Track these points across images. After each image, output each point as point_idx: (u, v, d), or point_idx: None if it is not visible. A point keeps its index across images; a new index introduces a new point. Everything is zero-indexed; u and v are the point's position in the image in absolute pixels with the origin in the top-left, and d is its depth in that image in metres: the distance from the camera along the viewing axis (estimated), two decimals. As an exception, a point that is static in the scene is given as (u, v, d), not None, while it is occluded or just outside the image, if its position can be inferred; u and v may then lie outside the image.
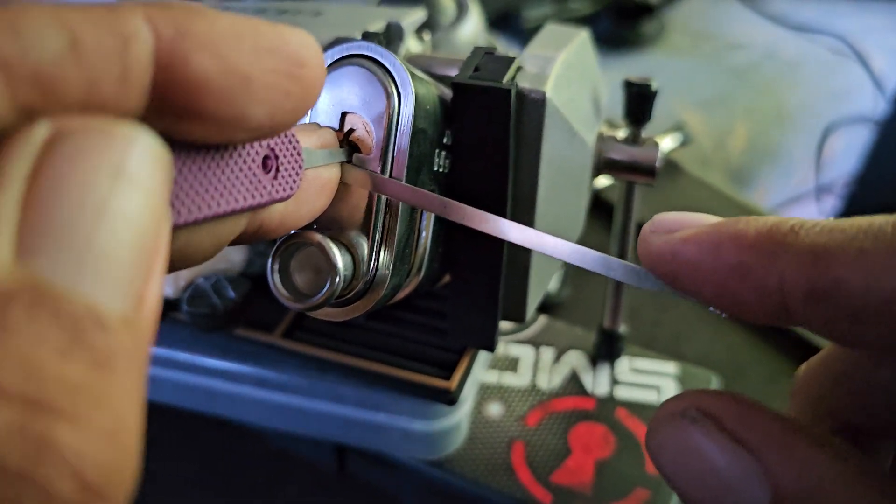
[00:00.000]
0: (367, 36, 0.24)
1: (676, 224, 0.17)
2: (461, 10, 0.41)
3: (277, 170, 0.16)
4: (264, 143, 0.16)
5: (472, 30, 0.40)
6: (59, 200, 0.11)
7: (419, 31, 0.33)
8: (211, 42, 0.13)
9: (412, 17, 0.31)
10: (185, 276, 0.34)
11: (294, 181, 0.17)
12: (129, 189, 0.11)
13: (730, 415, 0.16)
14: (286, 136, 0.17)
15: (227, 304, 0.33)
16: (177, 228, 0.14)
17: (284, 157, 0.17)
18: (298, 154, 0.17)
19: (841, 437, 0.18)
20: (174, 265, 0.15)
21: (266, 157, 0.16)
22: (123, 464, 0.11)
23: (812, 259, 0.14)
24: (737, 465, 0.15)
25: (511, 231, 0.20)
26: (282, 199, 0.16)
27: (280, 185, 0.16)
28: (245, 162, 0.15)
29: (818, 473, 0.14)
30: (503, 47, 0.43)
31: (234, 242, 0.17)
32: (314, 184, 0.18)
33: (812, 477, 0.14)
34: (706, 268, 0.16)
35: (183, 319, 0.34)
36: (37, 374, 0.10)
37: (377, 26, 0.30)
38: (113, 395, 0.11)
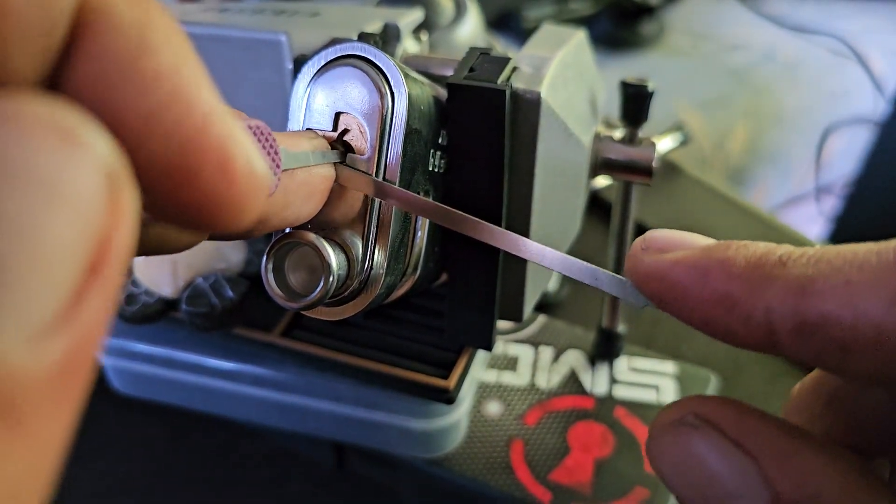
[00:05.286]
0: (362, 37, 0.24)
1: (668, 244, 0.17)
2: (460, 10, 0.41)
3: None
4: None
5: (470, 30, 0.40)
6: None
7: (417, 31, 0.33)
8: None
9: (409, 18, 0.31)
10: (183, 276, 0.34)
11: (272, 184, 0.16)
12: (48, 206, 0.09)
13: (729, 420, 0.15)
14: (262, 134, 0.16)
15: (226, 304, 0.33)
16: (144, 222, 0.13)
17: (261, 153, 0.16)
18: (276, 153, 0.17)
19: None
20: (151, 251, 0.15)
21: None
22: None
23: (799, 292, 0.14)
24: (737, 471, 0.15)
25: (500, 237, 0.20)
26: None
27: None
28: None
29: (819, 480, 0.14)
30: (503, 48, 0.43)
31: (216, 237, 0.16)
32: (303, 188, 0.18)
33: (812, 483, 0.14)
34: (694, 295, 0.15)
35: (181, 319, 0.34)
36: None
37: (374, 27, 0.30)
38: None
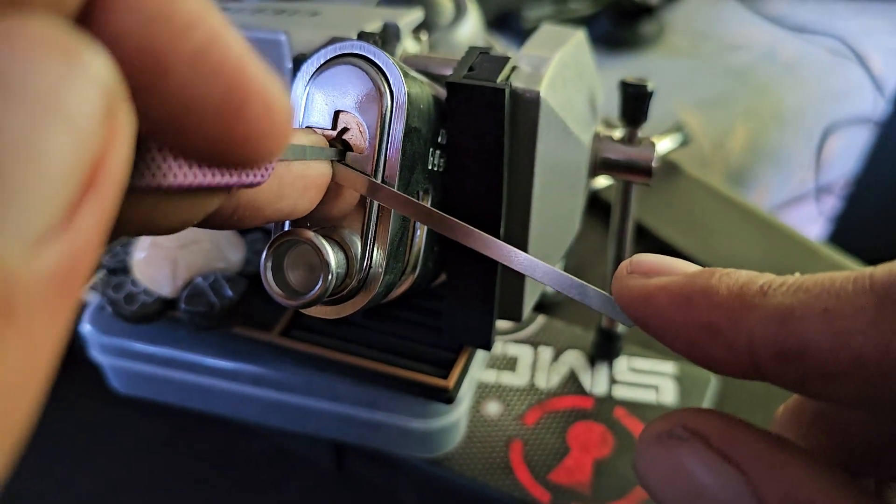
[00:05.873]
0: (362, 36, 0.24)
1: (653, 269, 0.17)
2: (459, 10, 0.41)
3: None
4: None
5: (470, 30, 0.40)
6: None
7: (416, 31, 0.33)
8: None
9: (409, 18, 0.31)
10: (182, 275, 0.34)
11: (266, 168, 0.16)
12: (44, 121, 0.09)
13: (717, 433, 0.15)
14: None
15: (225, 303, 0.33)
16: (139, 192, 0.13)
17: None
18: None
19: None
20: (137, 230, 0.15)
21: None
22: None
23: (780, 320, 0.14)
24: (725, 483, 0.15)
25: (492, 246, 0.20)
26: (251, 185, 0.16)
27: (251, 170, 0.15)
28: None
29: (806, 491, 0.14)
30: (502, 48, 0.43)
31: (208, 223, 0.16)
32: (299, 181, 0.18)
33: (802, 494, 0.14)
34: (677, 321, 0.16)
35: (181, 318, 0.34)
36: None
37: (374, 26, 0.30)
38: None
